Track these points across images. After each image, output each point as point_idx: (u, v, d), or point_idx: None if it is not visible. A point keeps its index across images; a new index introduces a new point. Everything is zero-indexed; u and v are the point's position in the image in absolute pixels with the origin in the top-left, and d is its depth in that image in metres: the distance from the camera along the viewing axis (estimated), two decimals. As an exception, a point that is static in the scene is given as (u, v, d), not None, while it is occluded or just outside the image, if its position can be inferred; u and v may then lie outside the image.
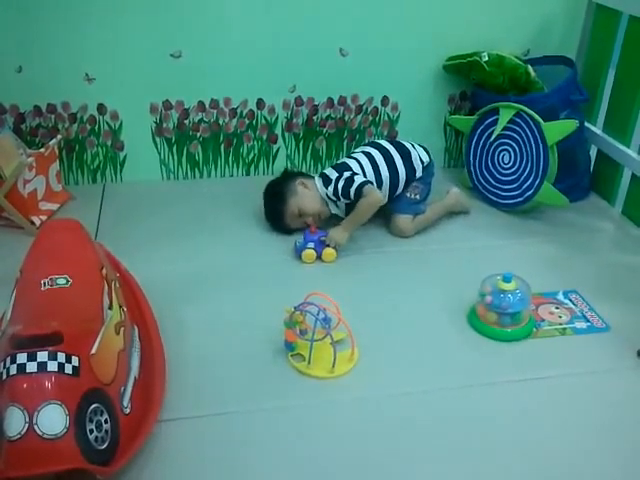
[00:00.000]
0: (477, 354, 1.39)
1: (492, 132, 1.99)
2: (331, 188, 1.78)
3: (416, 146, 1.93)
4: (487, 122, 2.01)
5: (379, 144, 1.92)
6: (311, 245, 1.69)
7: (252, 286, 1.59)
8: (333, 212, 1.83)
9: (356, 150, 1.94)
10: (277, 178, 1.86)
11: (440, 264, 1.71)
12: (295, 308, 1.33)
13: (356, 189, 1.73)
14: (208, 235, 1.80)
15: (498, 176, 2.01)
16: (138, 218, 1.88)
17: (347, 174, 1.78)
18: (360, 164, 1.83)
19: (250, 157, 2.18)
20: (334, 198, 1.79)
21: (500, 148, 2.00)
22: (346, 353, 1.34)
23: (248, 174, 2.19)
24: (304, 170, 2.20)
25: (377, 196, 1.73)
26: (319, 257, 1.69)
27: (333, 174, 1.81)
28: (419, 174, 1.88)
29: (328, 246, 1.69)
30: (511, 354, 1.40)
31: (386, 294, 1.58)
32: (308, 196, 1.80)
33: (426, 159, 1.91)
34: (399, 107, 2.19)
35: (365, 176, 1.80)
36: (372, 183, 1.77)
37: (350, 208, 1.79)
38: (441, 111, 2.21)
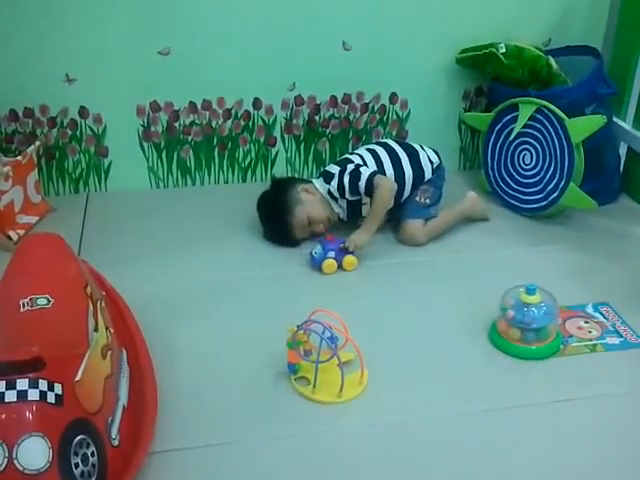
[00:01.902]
0: (499, 374, 1.39)
1: (511, 130, 1.99)
2: (334, 183, 1.79)
3: (425, 147, 1.94)
4: (506, 119, 2.01)
5: (384, 142, 1.94)
6: (331, 254, 1.69)
7: (251, 303, 1.59)
8: (337, 211, 1.84)
9: (360, 148, 1.96)
10: (272, 189, 1.86)
11: (456, 275, 1.71)
12: (298, 327, 1.33)
13: (366, 182, 1.75)
14: (202, 248, 1.81)
15: (519, 178, 2.02)
16: (125, 231, 1.89)
17: (351, 167, 1.79)
18: (363, 159, 1.85)
19: (246, 162, 2.19)
20: (336, 195, 1.80)
21: (521, 148, 2.00)
22: (355, 375, 1.34)
23: (244, 180, 2.20)
24: (305, 176, 2.20)
25: (389, 183, 1.75)
26: (340, 266, 1.70)
27: (335, 169, 1.82)
28: (428, 175, 1.89)
29: (348, 252, 1.70)
30: (537, 374, 1.39)
31: (398, 310, 1.58)
32: (315, 202, 1.81)
33: (436, 160, 1.92)
34: (409, 104, 2.19)
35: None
36: (379, 172, 1.78)
37: (352, 206, 1.81)
38: (455, 108, 2.22)
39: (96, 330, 1.21)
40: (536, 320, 1.42)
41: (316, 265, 1.70)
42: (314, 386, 1.31)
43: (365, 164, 1.83)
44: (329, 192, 1.82)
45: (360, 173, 1.76)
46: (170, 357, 1.39)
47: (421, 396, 1.33)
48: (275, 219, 1.81)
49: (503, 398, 1.33)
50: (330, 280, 1.69)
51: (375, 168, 1.82)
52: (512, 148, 2.03)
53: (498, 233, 1.91)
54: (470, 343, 1.47)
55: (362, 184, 1.75)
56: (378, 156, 1.86)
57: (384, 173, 1.83)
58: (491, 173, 2.09)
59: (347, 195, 1.79)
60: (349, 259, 1.70)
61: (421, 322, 1.54)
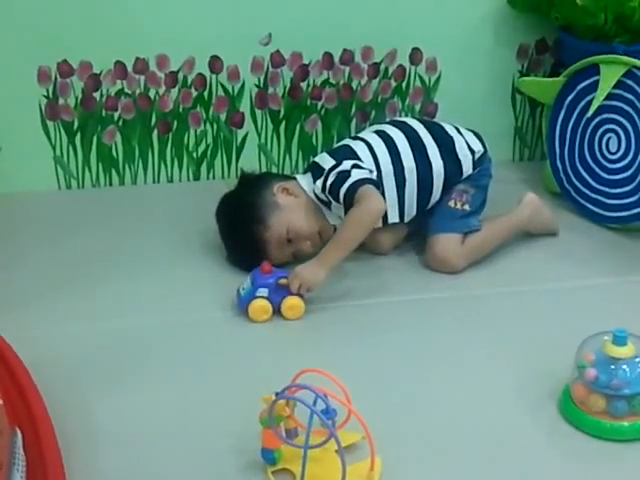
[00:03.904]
0: (575, 463, 1.37)
1: (590, 103, 2.00)
2: (320, 182, 1.80)
3: (463, 130, 1.94)
4: (581, 87, 2.02)
5: (402, 122, 1.94)
6: (263, 292, 1.68)
7: (206, 361, 1.58)
8: (332, 223, 1.84)
9: (366, 130, 1.96)
10: (238, 190, 1.87)
11: (509, 318, 1.71)
12: (277, 395, 1.32)
13: (347, 190, 1.75)
14: (134, 278, 1.80)
15: (601, 173, 2.02)
16: (19, 253, 1.88)
17: (346, 164, 1.80)
18: (370, 148, 1.86)
19: (200, 150, 2.19)
20: (325, 198, 1.81)
21: (603, 128, 2.01)
22: (362, 467, 1.33)
23: (197, 178, 2.20)
24: (287, 171, 2.21)
25: (375, 203, 1.74)
26: (276, 311, 1.69)
27: (327, 162, 1.83)
28: (467, 171, 1.90)
29: (292, 293, 1.69)
30: (631, 461, 1.38)
31: (422, 369, 1.57)
32: (298, 207, 1.81)
33: (478, 148, 1.92)
34: (438, 66, 2.20)
35: (378, 168, 1.83)
36: (376, 183, 1.78)
37: None
38: (507, 71, 2.23)
39: (-26, 401, 1.21)
40: (629, 383, 1.42)
41: (241, 308, 1.69)
42: (301, 483, 1.30)
43: (374, 156, 1.84)
44: (315, 194, 1.82)
45: (348, 177, 1.76)
46: (86, 442, 1.38)
47: (459, 497, 1.32)
48: (241, 234, 1.81)
49: (581, 500, 1.32)
50: (318, 327, 1.68)
51: (389, 166, 1.83)
52: (591, 129, 2.03)
53: (570, 255, 1.92)
54: (530, 418, 1.46)
55: (343, 190, 1.75)
56: (392, 141, 1.87)
57: (402, 167, 1.84)
58: (560, 166, 2.10)
59: (332, 201, 1.79)
60: (290, 302, 1.68)
61: (457, 387, 1.52)
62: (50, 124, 2.10)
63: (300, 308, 1.69)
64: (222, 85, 2.14)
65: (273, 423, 1.32)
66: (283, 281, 1.68)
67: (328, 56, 2.15)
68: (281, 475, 1.33)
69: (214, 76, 2.13)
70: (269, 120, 2.19)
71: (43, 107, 2.08)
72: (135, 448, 1.39)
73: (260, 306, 1.67)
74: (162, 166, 2.18)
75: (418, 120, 1.96)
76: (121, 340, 1.64)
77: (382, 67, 2.18)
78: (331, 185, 1.77)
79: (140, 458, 1.37)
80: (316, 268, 1.69)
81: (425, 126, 1.92)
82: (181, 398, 1.49)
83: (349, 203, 1.75)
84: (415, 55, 2.19)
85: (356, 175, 1.77)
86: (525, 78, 2.18)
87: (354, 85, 2.19)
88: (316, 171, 1.84)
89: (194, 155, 2.19)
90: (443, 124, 1.95)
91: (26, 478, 1.26)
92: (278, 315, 1.69)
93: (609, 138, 2.00)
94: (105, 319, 1.69)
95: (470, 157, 1.91)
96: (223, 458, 1.36)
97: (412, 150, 1.86)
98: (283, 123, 2.20)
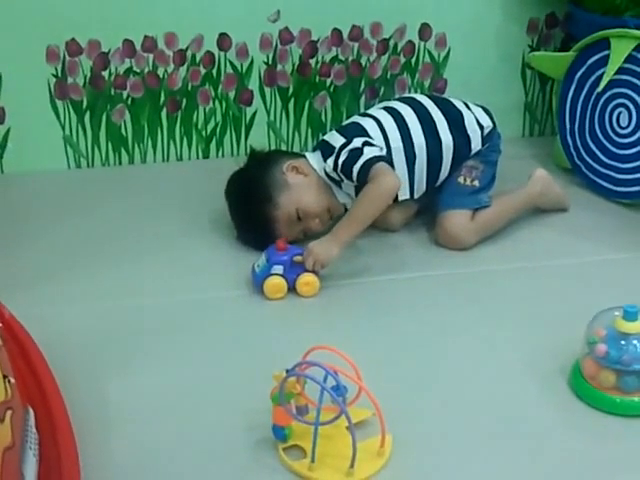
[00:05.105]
0: (586, 439, 1.37)
1: (600, 77, 1.99)
2: (331, 161, 1.79)
3: (471, 105, 1.94)
4: (591, 61, 2.01)
5: (411, 98, 1.94)
6: (278, 269, 1.68)
7: (217, 338, 1.59)
8: (342, 202, 1.85)
9: (375, 107, 1.96)
10: (247, 169, 1.87)
11: (519, 294, 1.71)
12: (288, 372, 1.33)
13: (361, 168, 1.75)
14: (144, 257, 1.81)
15: (612, 149, 2.02)
16: (30, 233, 1.89)
17: (357, 142, 1.80)
18: (380, 124, 1.86)
19: (209, 128, 2.19)
20: (336, 177, 1.81)
21: (614, 103, 2.00)
22: (372, 443, 1.33)
23: (206, 156, 2.20)
24: (296, 148, 2.21)
25: (390, 180, 1.74)
26: (291, 288, 1.70)
27: (337, 140, 1.83)
28: (476, 146, 1.90)
29: (307, 270, 1.70)
30: (641, 438, 1.39)
31: (433, 345, 1.57)
32: (308, 186, 1.82)
33: (487, 123, 1.92)
34: (447, 41, 2.19)
35: (387, 144, 1.83)
36: (389, 160, 1.78)
37: None
38: (517, 46, 2.22)
39: (-13, 380, 1.21)
40: (639, 358, 1.42)
41: (257, 285, 1.69)
42: (312, 459, 1.30)
43: (383, 133, 1.84)
44: (325, 173, 1.82)
45: (361, 155, 1.76)
46: (99, 420, 1.38)
47: (469, 473, 1.31)
48: (251, 212, 1.81)
49: (592, 476, 1.32)
50: (328, 303, 1.69)
51: (399, 143, 1.83)
52: (601, 104, 2.02)
53: (581, 231, 1.92)
54: (541, 393, 1.46)
55: (356, 168, 1.75)
56: (401, 117, 1.87)
57: (411, 143, 1.84)
58: (570, 141, 2.09)
59: (344, 179, 1.79)
60: (305, 278, 1.68)
61: (468, 363, 1.53)
62: (59, 103, 2.10)
63: (315, 285, 1.69)
64: (231, 63, 2.13)
65: (284, 400, 1.32)
66: (298, 258, 1.68)
67: (337, 32, 2.14)
68: (292, 451, 1.33)
69: (222, 54, 2.12)
70: (278, 97, 2.19)
71: (52, 86, 2.08)
72: (147, 425, 1.40)
73: (275, 284, 1.68)
74: (171, 144, 2.19)
75: (427, 96, 1.96)
76: (133, 319, 1.64)
77: (391, 43, 2.18)
78: (343, 163, 1.77)
79: (152, 435, 1.38)
80: (330, 244, 1.70)
81: (434, 102, 1.92)
82: (193, 375, 1.50)
83: (363, 181, 1.74)
84: (424, 31, 2.18)
85: (369, 153, 1.77)
86: (535, 53, 2.17)
87: (363, 61, 2.18)
88: (326, 149, 1.83)
89: (203, 133, 2.19)
90: (452, 100, 1.95)
91: (39, 456, 1.26)
92: (293, 292, 1.70)
93: (620, 113, 1.99)
94: (116, 298, 1.70)
95: (479, 132, 1.90)
96: (234, 435, 1.37)
97: (421, 126, 1.86)
98: (292, 100, 2.20)
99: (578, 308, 1.51)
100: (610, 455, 1.35)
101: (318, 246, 1.69)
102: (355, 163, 1.75)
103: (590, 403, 1.44)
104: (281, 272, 1.68)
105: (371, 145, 1.80)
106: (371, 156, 1.76)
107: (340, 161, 1.78)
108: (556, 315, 1.62)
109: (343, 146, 1.79)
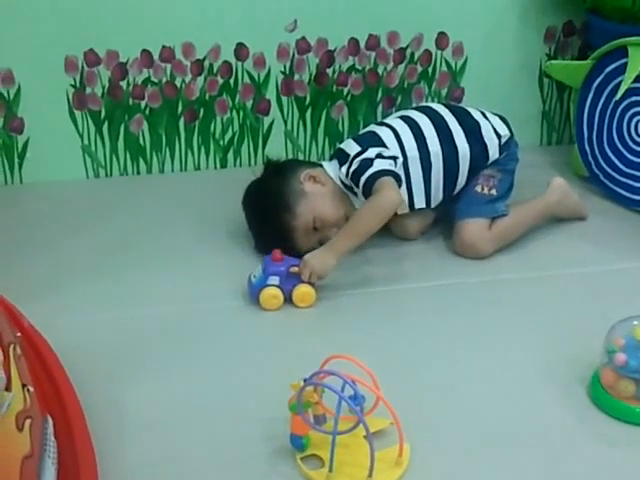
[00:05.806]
0: (605, 449, 1.37)
1: (618, 86, 1.99)
2: (344, 169, 1.80)
3: (488, 114, 1.94)
4: (609, 69, 2.01)
5: (427, 107, 1.94)
6: (274, 280, 1.68)
7: (234, 348, 1.59)
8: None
9: (392, 116, 1.96)
10: (265, 178, 1.87)
11: (537, 303, 1.71)
12: (306, 381, 1.33)
13: (367, 179, 1.75)
14: (161, 266, 1.82)
15: (631, 157, 2.01)
16: (48, 242, 1.89)
17: (371, 153, 1.80)
18: (396, 133, 1.86)
19: (227, 138, 2.19)
20: (350, 184, 1.81)
21: (632, 111, 1.99)
22: (390, 452, 1.33)
23: (224, 166, 2.21)
24: (313, 158, 2.21)
25: (392, 195, 1.73)
26: (287, 299, 1.69)
27: (353, 148, 1.83)
28: (494, 155, 1.90)
29: (303, 281, 1.68)
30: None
31: (449, 354, 1.57)
32: (325, 195, 1.82)
33: (505, 132, 1.92)
34: (465, 50, 2.19)
35: (404, 153, 1.83)
36: (397, 175, 1.77)
37: None
38: (534, 54, 2.22)
39: (8, 389, 1.22)
40: (658, 368, 1.41)
41: (252, 295, 1.69)
42: (330, 469, 1.30)
43: (399, 142, 1.84)
44: (341, 181, 1.82)
45: (371, 166, 1.76)
46: (117, 428, 1.39)
47: (487, 483, 1.32)
48: (268, 222, 1.81)
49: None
50: (344, 311, 1.69)
51: (414, 151, 1.83)
52: (619, 112, 2.02)
53: (599, 239, 1.91)
54: (560, 403, 1.46)
55: (363, 180, 1.75)
56: (417, 126, 1.87)
57: (427, 151, 1.84)
58: (588, 150, 2.09)
59: (355, 187, 1.80)
60: (302, 290, 1.68)
61: (486, 372, 1.52)
62: (77, 113, 2.11)
63: (311, 296, 1.69)
64: (248, 72, 2.14)
65: (301, 409, 1.32)
66: (294, 269, 1.68)
67: (354, 42, 2.15)
68: (310, 461, 1.33)
69: (240, 63, 2.13)
70: (295, 107, 2.19)
71: (70, 96, 2.09)
72: (164, 434, 1.40)
73: (271, 294, 1.67)
74: (189, 154, 2.19)
75: (443, 105, 1.96)
76: (150, 327, 1.65)
77: (408, 52, 2.18)
78: (353, 172, 1.77)
79: (169, 443, 1.38)
80: (326, 256, 1.69)
81: (450, 111, 1.92)
82: (210, 385, 1.50)
83: (367, 192, 1.75)
84: (441, 39, 2.18)
85: (378, 165, 1.77)
86: (552, 61, 2.16)
87: (380, 70, 2.18)
88: (342, 157, 1.84)
89: (221, 143, 2.19)
90: (469, 108, 1.95)
91: (57, 464, 1.27)
92: (289, 303, 1.69)
93: (638, 121, 1.99)
94: (134, 306, 1.70)
95: (496, 141, 1.90)
96: (252, 444, 1.37)
97: (438, 135, 1.86)
98: (309, 110, 2.20)
99: (596, 317, 1.51)
100: (630, 464, 1.35)
101: (315, 257, 1.68)
102: (363, 174, 1.75)
103: (609, 412, 1.43)
104: (277, 283, 1.67)
105: (384, 157, 1.80)
106: (380, 169, 1.76)
107: (351, 170, 1.78)
108: (574, 324, 1.62)
109: (357, 155, 1.80)
